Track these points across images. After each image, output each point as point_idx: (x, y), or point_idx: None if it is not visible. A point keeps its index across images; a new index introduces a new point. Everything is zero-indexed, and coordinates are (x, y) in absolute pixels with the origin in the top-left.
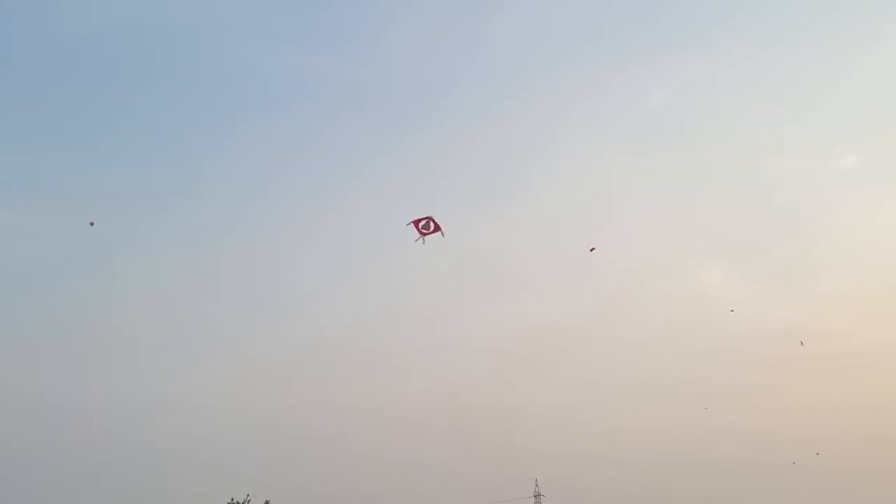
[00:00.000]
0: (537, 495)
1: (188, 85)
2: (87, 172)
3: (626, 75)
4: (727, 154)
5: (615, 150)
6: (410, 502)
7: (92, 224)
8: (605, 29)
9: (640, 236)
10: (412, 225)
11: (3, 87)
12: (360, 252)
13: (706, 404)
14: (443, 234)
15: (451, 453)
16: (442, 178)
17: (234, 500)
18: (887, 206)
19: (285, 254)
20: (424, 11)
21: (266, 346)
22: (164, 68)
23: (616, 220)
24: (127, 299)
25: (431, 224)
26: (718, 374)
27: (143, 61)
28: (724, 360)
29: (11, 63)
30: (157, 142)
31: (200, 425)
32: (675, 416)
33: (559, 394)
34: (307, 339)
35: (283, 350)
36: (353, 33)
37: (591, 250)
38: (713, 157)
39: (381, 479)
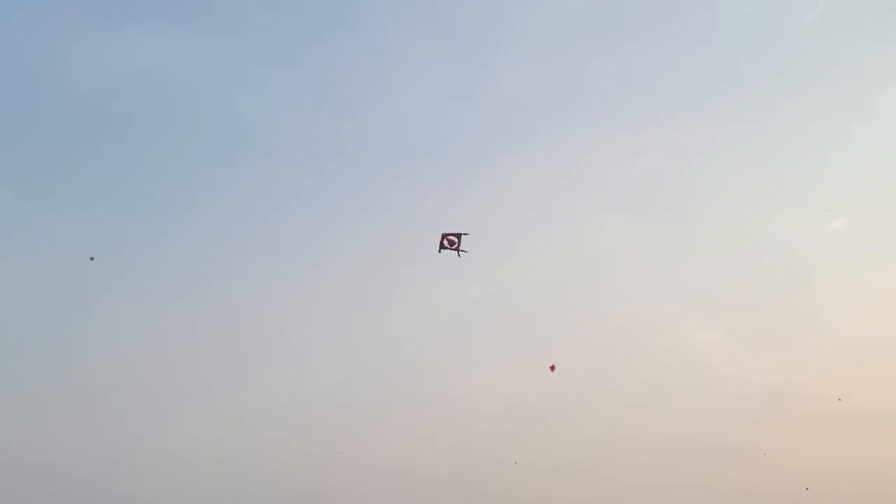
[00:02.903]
0: None
1: (169, 138)
2: (62, 224)
3: (615, 138)
4: (717, 216)
5: (606, 212)
6: None
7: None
8: (595, 93)
9: (632, 297)
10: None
11: None
12: (346, 306)
13: (700, 463)
14: (459, 254)
15: None
16: (429, 233)
17: None
18: (878, 269)
19: (270, 308)
20: (413, 70)
21: (252, 401)
22: (143, 122)
23: (607, 280)
24: (106, 354)
25: (457, 240)
26: (707, 437)
27: (122, 116)
28: (718, 421)
29: None
30: (137, 194)
31: (185, 483)
32: (670, 473)
33: (557, 451)
34: (294, 394)
35: (270, 406)
36: (337, 88)
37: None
38: (703, 219)
39: None
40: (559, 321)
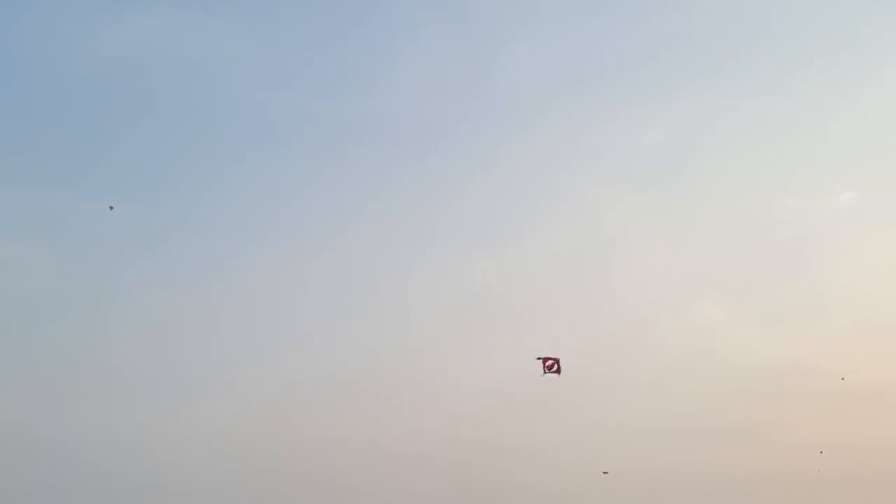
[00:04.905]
0: None
1: (188, 122)
2: (84, 207)
3: (623, 116)
4: (725, 191)
5: (614, 190)
6: None
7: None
8: (603, 71)
9: (641, 275)
10: (541, 361)
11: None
12: (358, 289)
13: (709, 443)
14: (559, 374)
15: (449, 491)
16: (441, 215)
17: None
18: (887, 242)
19: (283, 292)
20: (425, 55)
21: (263, 384)
22: (163, 105)
23: (616, 258)
24: (122, 336)
25: (556, 365)
26: (722, 413)
27: (143, 98)
28: (728, 398)
29: (10, 95)
30: (156, 178)
31: (195, 464)
32: (677, 456)
33: (559, 433)
34: (305, 377)
35: (281, 388)
36: (353, 73)
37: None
38: (711, 194)
39: None
40: (568, 301)
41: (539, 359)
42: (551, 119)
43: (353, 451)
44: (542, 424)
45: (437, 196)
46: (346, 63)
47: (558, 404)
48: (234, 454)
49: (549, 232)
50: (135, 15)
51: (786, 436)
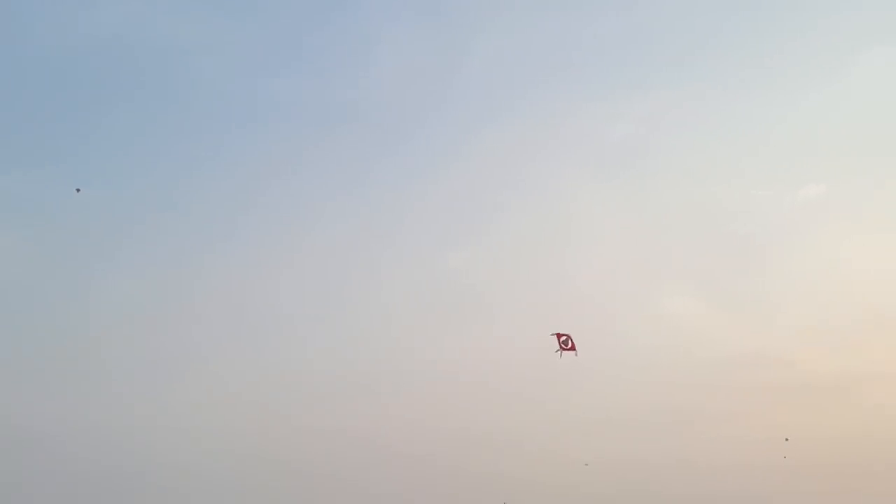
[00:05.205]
0: None
1: (169, 105)
2: (62, 191)
3: (591, 107)
4: (691, 183)
5: (581, 181)
6: None
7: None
8: (571, 62)
9: (607, 265)
10: (555, 337)
11: None
12: (336, 279)
13: (672, 433)
14: (576, 353)
15: (421, 479)
16: (416, 204)
17: None
18: (851, 235)
19: (262, 281)
20: (399, 45)
21: (243, 373)
22: (145, 86)
23: (582, 249)
24: (100, 320)
25: (570, 342)
26: (683, 403)
27: (124, 79)
28: (689, 389)
29: None
30: (136, 161)
31: (173, 451)
32: (641, 446)
33: (527, 422)
34: (284, 366)
35: (261, 378)
36: (328, 61)
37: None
38: (677, 186)
39: None
40: (537, 291)
41: (553, 335)
42: (521, 110)
43: (333, 440)
44: (517, 414)
45: (411, 186)
46: (322, 51)
47: (526, 394)
48: (213, 443)
49: (518, 222)
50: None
51: (749, 425)
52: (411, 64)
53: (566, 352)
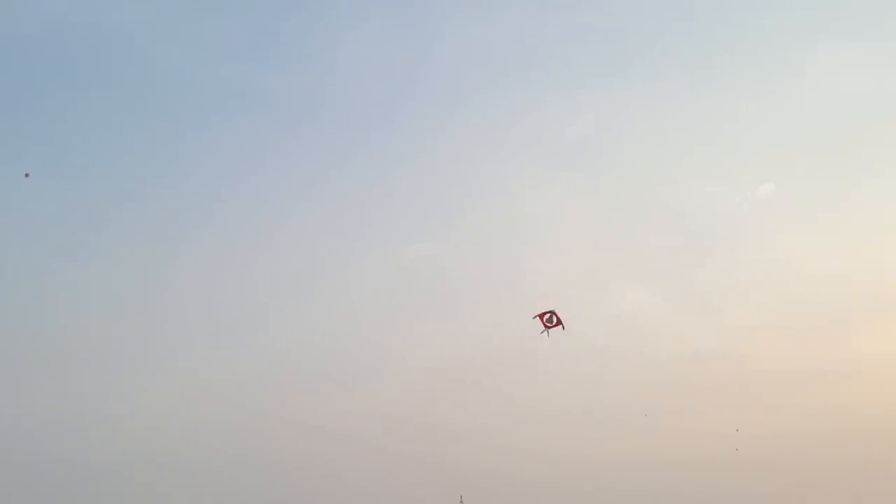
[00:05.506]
0: None
1: (133, 95)
2: (23, 182)
3: (550, 105)
4: (647, 180)
5: (538, 179)
6: None
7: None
8: (530, 62)
9: (564, 262)
10: (538, 318)
11: None
12: (309, 269)
13: (628, 428)
14: (563, 327)
15: (383, 469)
16: (385, 197)
17: None
18: (800, 234)
19: (234, 269)
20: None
21: (214, 362)
22: (105, 77)
23: (540, 246)
24: (68, 314)
25: (554, 318)
26: (639, 398)
27: (83, 68)
28: (646, 384)
29: None
30: (104, 152)
31: (143, 442)
32: (598, 440)
33: (486, 413)
34: (251, 356)
35: (228, 368)
36: (299, 53)
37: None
38: (633, 183)
39: (313, 496)
40: (496, 286)
41: (536, 316)
42: (482, 107)
43: (301, 430)
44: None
45: (378, 180)
46: (290, 43)
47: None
48: (183, 434)
49: (478, 218)
50: None
51: (701, 421)
52: (377, 59)
53: (553, 329)
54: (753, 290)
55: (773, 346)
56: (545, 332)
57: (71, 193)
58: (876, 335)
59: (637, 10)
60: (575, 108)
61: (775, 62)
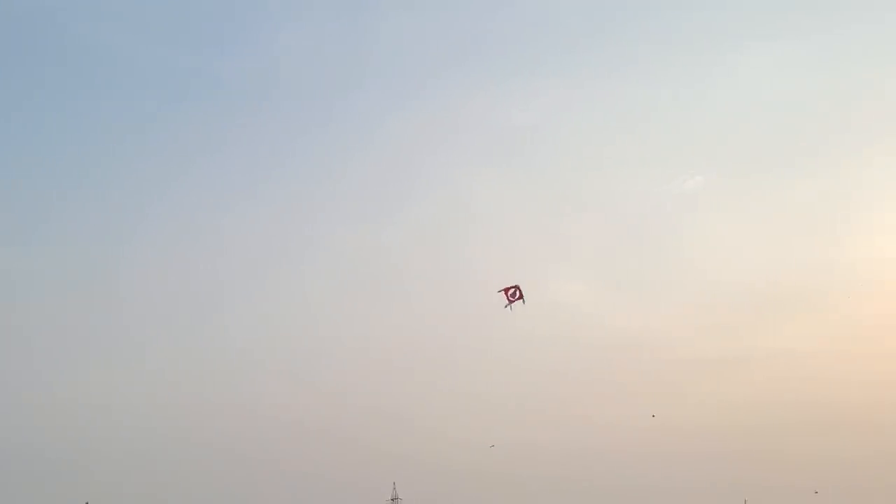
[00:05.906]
0: (394, 498)
1: (80, 80)
2: None
3: (488, 95)
4: (582, 172)
5: (479, 168)
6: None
7: None
8: (472, 51)
9: (503, 252)
10: (503, 293)
11: None
12: (262, 255)
13: (565, 415)
14: (524, 301)
15: (321, 455)
16: (330, 188)
17: None
18: (728, 227)
19: (186, 256)
20: (306, 30)
21: (165, 348)
22: (51, 62)
23: (481, 235)
24: (27, 302)
25: (517, 292)
26: (576, 384)
27: (28, 53)
28: (582, 370)
29: None
30: (50, 137)
31: (93, 428)
32: (534, 428)
33: (423, 402)
34: (205, 342)
35: (181, 353)
36: (242, 39)
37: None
38: (572, 173)
39: (248, 481)
40: (437, 272)
41: (500, 291)
42: (425, 96)
43: (251, 416)
44: (407, 392)
45: (323, 171)
46: (234, 30)
47: (425, 374)
48: (134, 421)
49: (422, 208)
50: None
51: (628, 407)
52: (321, 48)
53: (515, 302)
54: (677, 281)
55: (699, 331)
56: (509, 307)
57: (22, 176)
58: (797, 327)
59: (581, 5)
60: (514, 97)
61: (709, 60)
